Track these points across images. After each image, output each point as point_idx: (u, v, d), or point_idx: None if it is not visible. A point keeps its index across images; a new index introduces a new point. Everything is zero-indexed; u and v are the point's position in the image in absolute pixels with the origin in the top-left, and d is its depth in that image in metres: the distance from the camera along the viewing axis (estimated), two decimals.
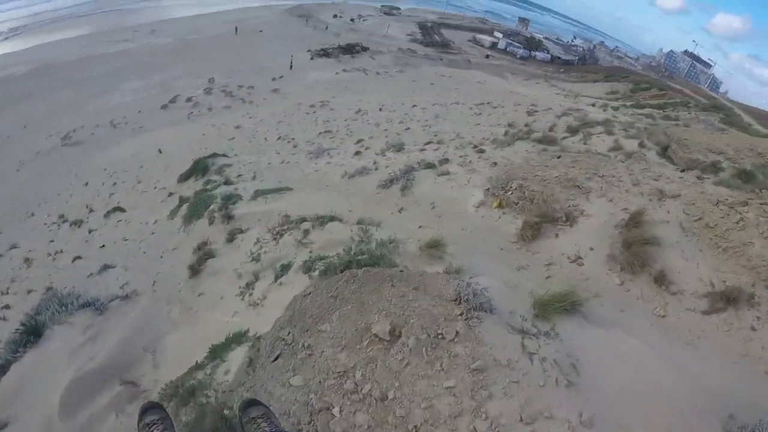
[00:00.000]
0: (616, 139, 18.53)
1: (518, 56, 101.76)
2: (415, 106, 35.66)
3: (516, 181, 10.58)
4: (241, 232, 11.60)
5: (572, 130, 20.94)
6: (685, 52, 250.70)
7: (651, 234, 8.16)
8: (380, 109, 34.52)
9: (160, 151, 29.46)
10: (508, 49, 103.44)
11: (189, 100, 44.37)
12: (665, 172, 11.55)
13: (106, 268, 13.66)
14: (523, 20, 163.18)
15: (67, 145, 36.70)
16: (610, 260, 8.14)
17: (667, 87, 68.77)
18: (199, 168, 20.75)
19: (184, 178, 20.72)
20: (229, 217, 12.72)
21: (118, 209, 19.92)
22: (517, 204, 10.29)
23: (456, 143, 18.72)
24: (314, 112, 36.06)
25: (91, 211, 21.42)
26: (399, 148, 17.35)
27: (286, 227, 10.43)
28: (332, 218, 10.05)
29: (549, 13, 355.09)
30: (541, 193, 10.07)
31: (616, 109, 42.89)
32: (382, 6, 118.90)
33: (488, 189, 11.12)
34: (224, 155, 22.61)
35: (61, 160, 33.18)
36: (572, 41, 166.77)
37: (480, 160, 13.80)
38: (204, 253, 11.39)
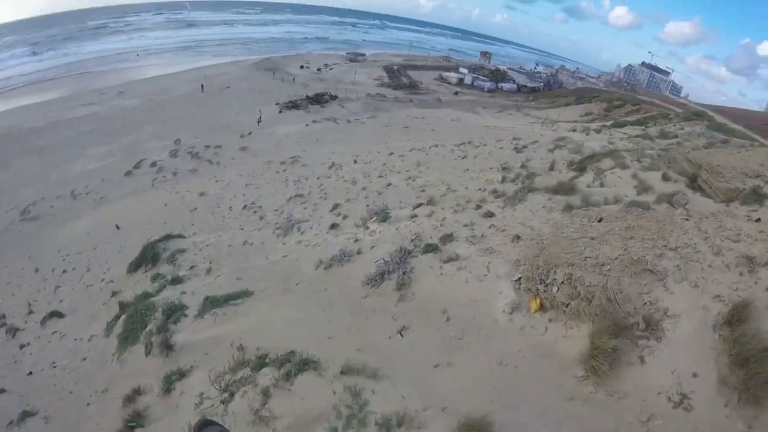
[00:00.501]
0: (635, 174, 15.43)
1: (486, 89, 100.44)
2: (392, 153, 32.47)
3: (561, 270, 7.21)
4: (182, 376, 8.09)
5: (578, 167, 17.83)
6: (643, 63, 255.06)
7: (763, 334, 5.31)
8: (355, 161, 31.23)
9: (118, 227, 26.16)
10: (475, 83, 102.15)
11: (154, 164, 40.93)
12: (741, 227, 8.26)
13: (25, 416, 10.86)
14: (485, 54, 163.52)
15: (25, 220, 33.06)
16: (723, 388, 5.28)
17: (639, 101, 66.84)
18: (149, 256, 17.42)
19: (134, 267, 17.41)
20: (168, 347, 9.32)
21: (56, 314, 16.48)
22: (567, 306, 6.91)
23: (451, 202, 15.43)
24: (284, 170, 32.67)
25: (30, 312, 18.00)
26: (384, 216, 13.96)
27: (239, 377, 6.93)
28: (305, 364, 6.56)
29: (509, 45, 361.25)
30: (602, 288, 6.71)
31: (598, 131, 40.26)
32: (348, 53, 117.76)
33: (518, 280, 7.78)
34: (180, 236, 19.16)
35: (18, 238, 29.52)
36: (535, 68, 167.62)
37: (494, 232, 10.51)
38: (133, 414, 7.92)
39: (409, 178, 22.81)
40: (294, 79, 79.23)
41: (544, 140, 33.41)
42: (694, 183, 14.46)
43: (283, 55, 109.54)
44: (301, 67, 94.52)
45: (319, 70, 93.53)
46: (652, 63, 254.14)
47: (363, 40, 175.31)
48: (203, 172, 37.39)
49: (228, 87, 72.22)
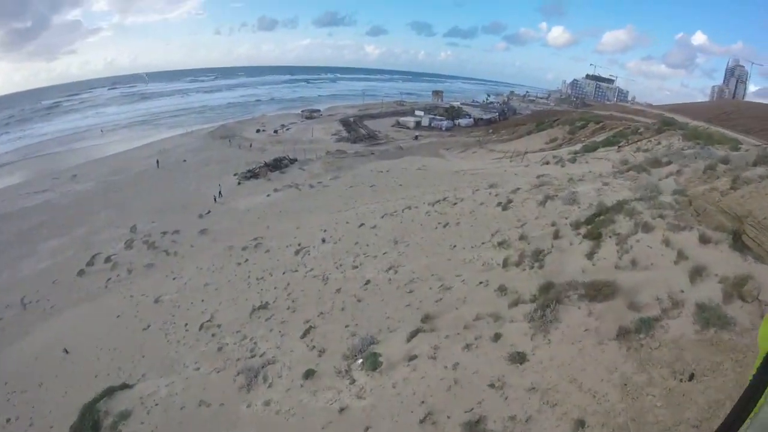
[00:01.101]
0: (666, 239, 12.19)
1: (444, 128, 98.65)
2: (362, 224, 28.97)
3: None
4: None
5: (591, 233, 14.52)
6: (587, 76, 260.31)
7: None
8: (323, 240, 27.59)
9: (67, 351, 22.18)
10: (432, 124, 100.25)
11: (108, 260, 36.69)
12: None
13: None
14: (437, 93, 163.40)
15: None
16: None
17: (600, 118, 64.93)
18: (88, 425, 13.69)
19: None
20: None
21: None
22: None
23: (455, 319, 11.83)
24: (246, 260, 28.90)
25: None
26: (373, 362, 10.33)
27: None
28: None
29: (458, 79, 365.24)
30: None
31: (572, 160, 37.55)
32: (303, 111, 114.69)
33: None
34: (125, 386, 15.35)
35: None
36: (487, 99, 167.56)
37: (541, 407, 6.86)
38: None
39: (390, 268, 19.08)
40: (251, 145, 75.50)
41: (523, 183, 30.40)
42: (738, 242, 11.34)
43: (239, 120, 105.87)
44: (258, 130, 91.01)
45: (275, 131, 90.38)
46: (596, 74, 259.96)
47: (318, 95, 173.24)
48: (160, 267, 33.41)
49: (184, 160, 68.16)
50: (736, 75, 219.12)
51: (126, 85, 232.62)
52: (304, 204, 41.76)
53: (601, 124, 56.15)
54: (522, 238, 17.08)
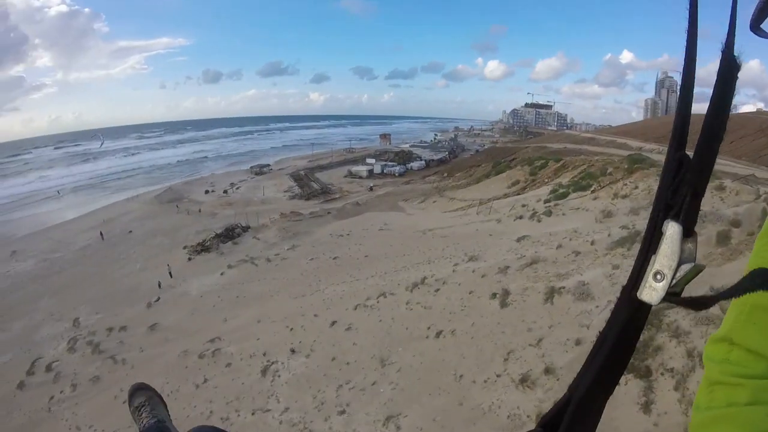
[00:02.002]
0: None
1: (397, 174, 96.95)
2: (334, 323, 24.36)
3: None
4: None
5: (639, 372, 10.67)
6: (526, 104, 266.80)
7: None
8: (293, 351, 22.86)
9: None
10: (385, 171, 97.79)
11: (50, 368, 31.09)
12: None
13: None
14: (385, 136, 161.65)
15: None
16: None
17: (558, 155, 62.66)
18: None
19: None
20: None
21: None
22: None
23: None
24: (204, 381, 23.83)
25: None
26: None
27: None
28: None
29: (403, 119, 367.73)
30: None
31: (548, 213, 34.13)
32: (252, 167, 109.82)
33: None
34: None
35: None
36: (435, 139, 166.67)
37: None
38: None
39: (388, 418, 14.45)
40: (200, 210, 69.88)
41: (507, 253, 26.64)
42: None
43: (186, 181, 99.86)
44: (206, 192, 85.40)
45: (225, 192, 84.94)
46: (534, 102, 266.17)
47: (267, 147, 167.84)
48: (106, 380, 27.94)
49: (130, 231, 62.03)
50: (666, 86, 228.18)
51: (71, 143, 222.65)
52: (263, 285, 36.93)
53: (561, 162, 53.47)
54: (548, 371, 12.96)
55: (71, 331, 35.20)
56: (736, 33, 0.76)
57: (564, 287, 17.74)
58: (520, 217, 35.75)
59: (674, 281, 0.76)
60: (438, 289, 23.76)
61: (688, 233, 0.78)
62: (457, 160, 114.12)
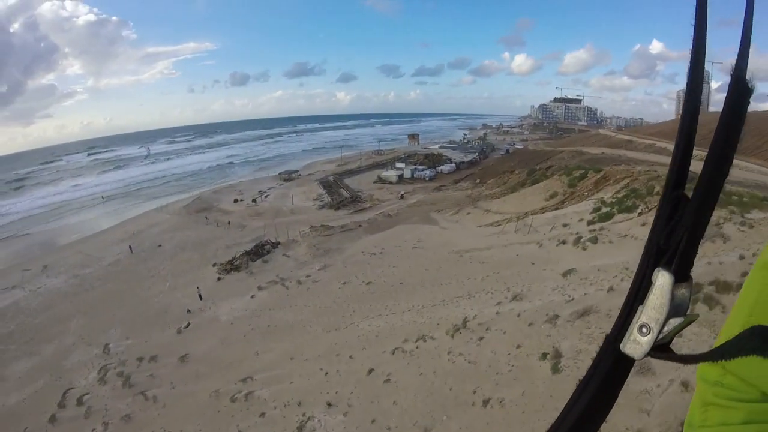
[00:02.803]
0: None
1: (427, 178, 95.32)
2: (372, 371, 22.73)
3: None
4: None
5: None
6: (555, 99, 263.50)
7: None
8: (329, 405, 21.33)
9: None
10: (414, 175, 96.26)
11: (81, 402, 30.49)
12: None
13: None
14: (413, 136, 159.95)
15: None
16: None
17: (599, 166, 60.23)
18: None
19: None
20: None
21: None
22: None
23: None
24: (238, 428, 22.81)
25: None
26: None
27: None
28: None
29: (430, 117, 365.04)
30: None
31: (593, 240, 32.12)
32: (281, 174, 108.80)
33: None
34: None
35: None
36: (464, 139, 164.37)
37: None
38: None
39: None
40: (229, 222, 68.72)
41: (553, 293, 24.97)
42: None
43: (215, 190, 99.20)
44: (235, 201, 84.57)
45: (254, 201, 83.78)
46: (563, 96, 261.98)
47: (295, 151, 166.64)
48: (137, 420, 27.20)
49: (160, 245, 61.15)
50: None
51: (102, 149, 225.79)
52: (295, 313, 35.75)
53: (601, 173, 51.15)
54: None
55: (102, 358, 34.65)
56: (749, 54, 0.71)
57: None
58: (563, 242, 33.86)
59: (661, 336, 0.72)
60: (482, 338, 22.24)
61: (682, 278, 0.73)
62: (487, 161, 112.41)
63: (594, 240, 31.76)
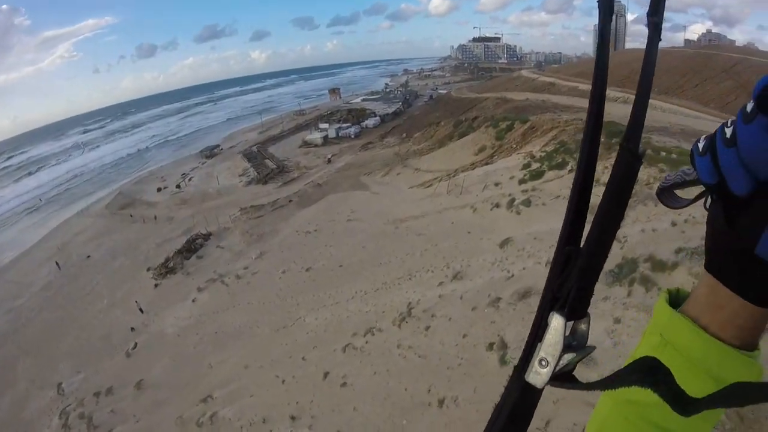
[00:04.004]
0: None
1: (353, 135, 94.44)
2: (327, 374, 22.55)
3: None
4: None
5: None
6: (474, 39, 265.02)
7: None
8: (293, 418, 20.77)
9: None
10: (340, 134, 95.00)
11: None
12: None
13: None
14: (334, 91, 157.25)
15: None
16: None
17: (522, 111, 61.11)
18: None
19: None
20: None
21: None
22: None
23: None
24: None
25: None
26: None
27: None
28: None
29: (350, 67, 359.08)
30: None
31: (527, 203, 32.55)
32: (202, 151, 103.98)
33: None
34: None
35: None
36: (386, 88, 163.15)
37: None
38: None
39: None
40: (155, 217, 65.87)
41: (493, 267, 25.35)
42: None
43: (137, 180, 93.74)
44: (159, 189, 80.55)
45: (178, 187, 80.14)
46: (482, 35, 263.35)
47: (217, 121, 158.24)
48: None
49: (88, 256, 57.88)
50: (615, 10, 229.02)
51: (15, 151, 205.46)
52: (240, 314, 34.89)
53: (528, 123, 51.85)
54: None
55: (58, 400, 33.13)
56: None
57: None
58: (497, 206, 34.25)
59: (558, 368, 0.81)
60: (428, 327, 22.47)
61: (580, 316, 0.83)
62: (412, 110, 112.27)
63: (527, 203, 32.26)
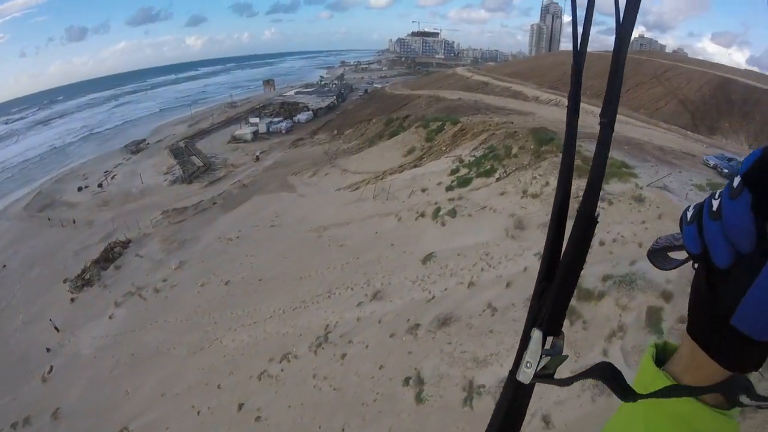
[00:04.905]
0: None
1: (284, 130, 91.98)
2: (242, 405, 21.00)
3: None
4: None
5: None
6: (413, 33, 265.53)
7: None
8: None
9: None
10: (271, 129, 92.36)
11: None
12: None
13: None
14: (269, 82, 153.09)
15: None
16: None
17: (453, 111, 60.54)
18: None
19: None
20: None
21: None
22: None
23: None
24: None
25: None
26: None
27: None
28: None
29: (288, 56, 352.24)
30: None
31: (452, 214, 31.62)
32: (126, 146, 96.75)
33: None
34: None
35: None
36: (321, 81, 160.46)
37: None
38: None
39: None
40: (74, 221, 60.92)
41: (420, 302, 24.32)
42: None
43: (58, 177, 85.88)
44: (80, 188, 74.18)
45: (100, 185, 74.15)
46: (421, 30, 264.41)
47: (147, 112, 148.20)
48: None
49: (4, 265, 53.44)
50: (551, 11, 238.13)
51: None
52: (157, 333, 32.80)
53: (459, 125, 51.21)
54: None
55: None
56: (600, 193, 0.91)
57: (484, 386, 15.53)
58: (422, 215, 33.28)
59: (539, 369, 0.98)
60: (344, 354, 21.27)
61: (556, 333, 0.99)
62: (346, 104, 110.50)
63: (453, 213, 31.41)
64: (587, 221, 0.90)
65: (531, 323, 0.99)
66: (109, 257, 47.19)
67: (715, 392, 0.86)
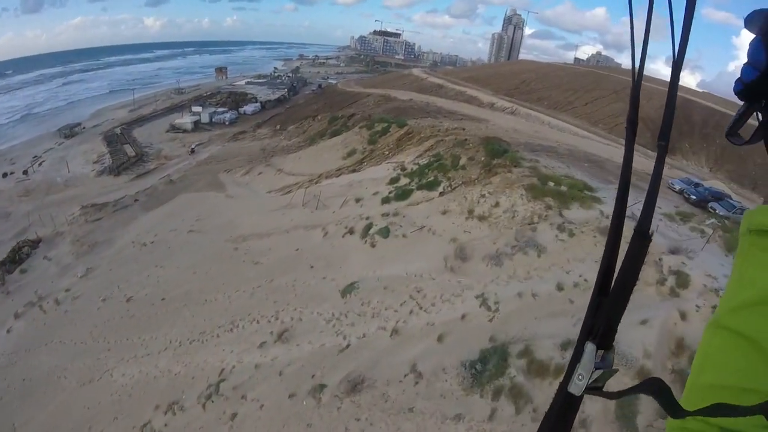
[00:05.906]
0: None
1: (227, 122, 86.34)
2: None
3: None
4: None
5: None
6: (375, 32, 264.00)
7: None
8: None
9: None
10: (213, 119, 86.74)
11: None
12: None
13: None
14: (221, 70, 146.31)
15: None
16: None
17: (402, 112, 56.57)
18: None
19: None
20: None
21: None
22: None
23: None
24: None
25: None
26: None
27: None
28: None
29: (247, 46, 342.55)
30: None
31: (385, 234, 27.43)
32: (61, 129, 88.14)
33: None
34: None
35: None
36: (275, 72, 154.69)
37: None
38: None
39: None
40: None
41: (332, 350, 20.08)
42: None
43: None
44: (4, 175, 66.21)
45: (25, 173, 66.37)
46: (383, 29, 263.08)
47: (93, 93, 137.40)
48: None
49: None
50: (513, 22, 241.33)
51: None
52: (51, 356, 27.42)
53: (405, 128, 47.07)
54: None
55: None
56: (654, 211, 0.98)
57: None
58: (351, 232, 29.00)
59: (590, 381, 1.00)
60: (235, 414, 16.80)
61: (607, 347, 1.02)
62: (297, 98, 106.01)
63: (385, 232, 27.24)
64: (642, 238, 0.96)
65: (585, 336, 1.02)
66: (15, 258, 41.12)
67: (761, 414, 0.85)
